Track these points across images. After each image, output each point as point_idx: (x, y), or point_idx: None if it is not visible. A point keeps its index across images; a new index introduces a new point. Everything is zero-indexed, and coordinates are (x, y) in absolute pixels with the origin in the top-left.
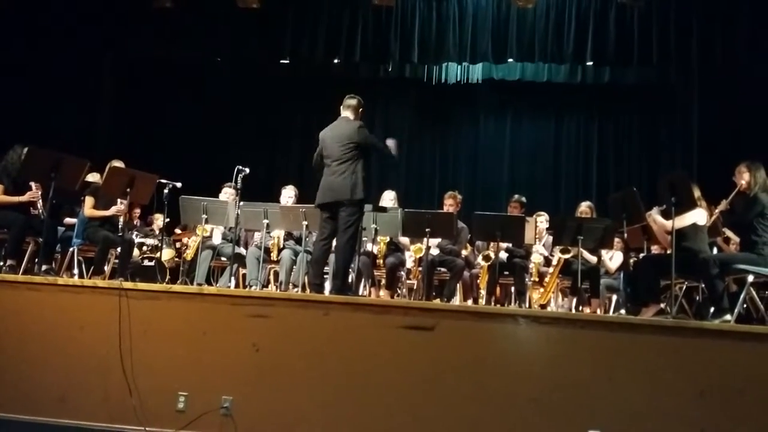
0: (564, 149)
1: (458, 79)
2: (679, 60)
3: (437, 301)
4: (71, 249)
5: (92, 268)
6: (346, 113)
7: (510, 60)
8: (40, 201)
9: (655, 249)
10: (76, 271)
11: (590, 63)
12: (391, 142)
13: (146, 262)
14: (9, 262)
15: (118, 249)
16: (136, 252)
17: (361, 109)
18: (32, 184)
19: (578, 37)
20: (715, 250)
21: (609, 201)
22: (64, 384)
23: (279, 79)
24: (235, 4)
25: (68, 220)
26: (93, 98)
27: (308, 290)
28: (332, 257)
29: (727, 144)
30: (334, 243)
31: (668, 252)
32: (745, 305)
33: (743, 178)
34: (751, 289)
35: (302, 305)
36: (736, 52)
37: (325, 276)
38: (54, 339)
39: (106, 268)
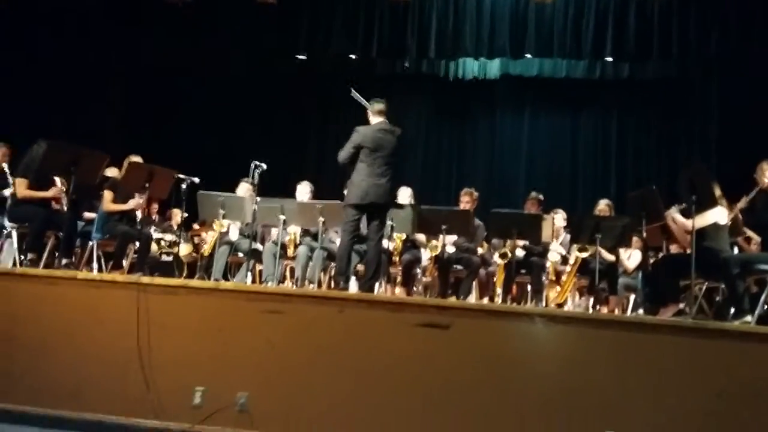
0: (582, 145)
1: (475, 75)
2: (699, 54)
3: (453, 299)
4: (91, 243)
5: (111, 262)
6: (383, 117)
7: (528, 55)
8: (64, 196)
9: (674, 248)
10: (95, 265)
11: (609, 58)
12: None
13: (164, 258)
14: (29, 256)
15: (137, 244)
16: (154, 247)
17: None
18: (57, 179)
19: (597, 32)
20: (735, 250)
21: (628, 199)
22: (82, 377)
23: (295, 74)
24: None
25: (87, 214)
26: (109, 92)
27: (324, 286)
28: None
29: (747, 140)
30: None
31: (688, 251)
32: (766, 306)
33: (765, 175)
34: None
35: (318, 302)
36: (756, 48)
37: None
38: (72, 333)
39: (125, 263)
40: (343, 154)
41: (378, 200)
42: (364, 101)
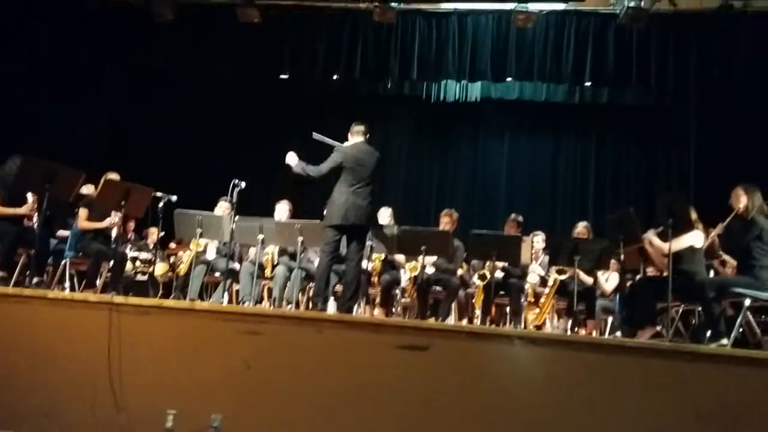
0: (561, 168)
1: (457, 98)
2: (677, 82)
3: (432, 320)
4: (63, 262)
5: (84, 281)
6: (362, 138)
7: (509, 79)
8: (36, 213)
9: (651, 271)
10: (67, 284)
11: (588, 83)
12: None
13: (139, 277)
14: (0, 273)
15: (111, 262)
16: (129, 266)
17: (368, 135)
18: (29, 196)
19: (577, 57)
20: (711, 273)
21: (606, 222)
22: (51, 399)
23: (278, 93)
24: (236, 18)
25: (61, 232)
26: (91, 110)
27: (302, 307)
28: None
29: (724, 166)
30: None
31: (665, 274)
32: (741, 329)
33: (740, 201)
34: (748, 313)
35: (295, 322)
36: (733, 76)
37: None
38: (42, 353)
39: (98, 282)
40: (323, 168)
41: (358, 222)
42: (328, 141)
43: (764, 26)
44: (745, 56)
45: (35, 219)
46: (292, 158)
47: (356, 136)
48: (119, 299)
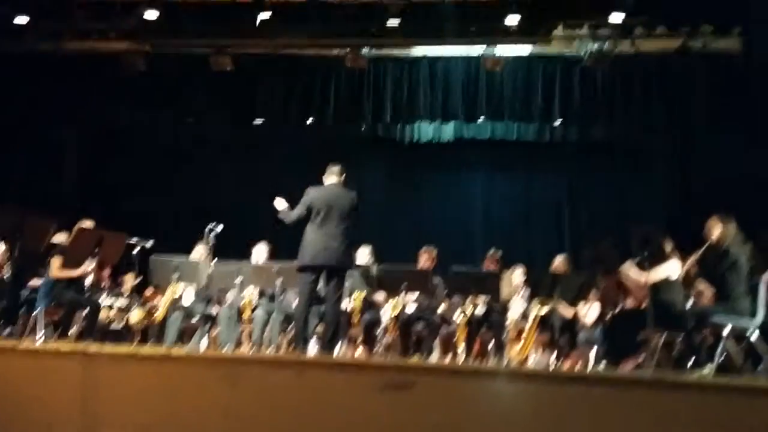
0: (536, 205)
1: (430, 138)
2: (643, 119)
3: (415, 357)
4: (35, 312)
5: (57, 331)
6: (336, 178)
7: (480, 119)
8: (8, 263)
9: (630, 303)
10: (39, 334)
11: (558, 122)
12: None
13: (114, 326)
14: None
15: (86, 310)
16: (104, 314)
17: (344, 175)
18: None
19: (546, 96)
20: (690, 302)
21: (584, 256)
22: None
23: (252, 138)
24: (209, 66)
25: (33, 282)
26: (67, 155)
27: (282, 350)
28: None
29: (695, 199)
30: None
31: (643, 306)
32: (722, 357)
33: (713, 232)
34: (728, 340)
35: (275, 366)
36: (694, 113)
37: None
38: (14, 406)
39: (73, 332)
40: (292, 215)
41: (330, 262)
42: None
43: (722, 65)
44: (704, 95)
45: (6, 268)
46: (280, 203)
47: (331, 177)
48: (93, 349)
